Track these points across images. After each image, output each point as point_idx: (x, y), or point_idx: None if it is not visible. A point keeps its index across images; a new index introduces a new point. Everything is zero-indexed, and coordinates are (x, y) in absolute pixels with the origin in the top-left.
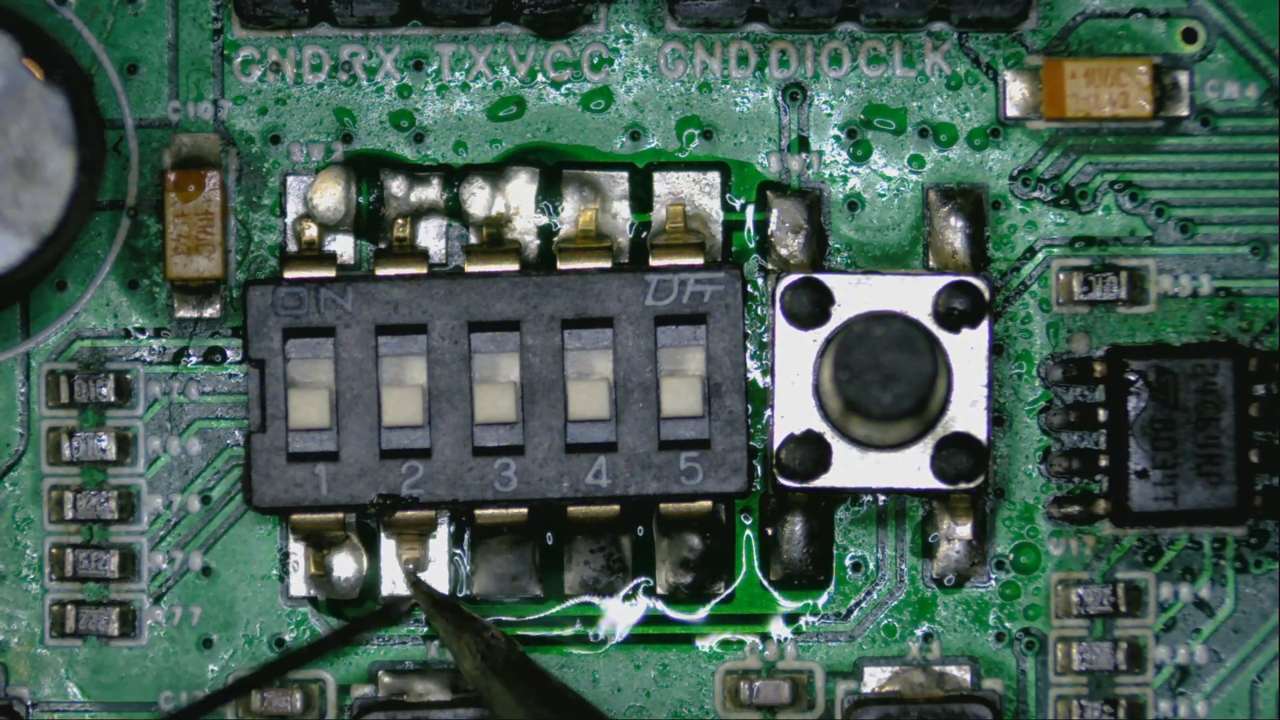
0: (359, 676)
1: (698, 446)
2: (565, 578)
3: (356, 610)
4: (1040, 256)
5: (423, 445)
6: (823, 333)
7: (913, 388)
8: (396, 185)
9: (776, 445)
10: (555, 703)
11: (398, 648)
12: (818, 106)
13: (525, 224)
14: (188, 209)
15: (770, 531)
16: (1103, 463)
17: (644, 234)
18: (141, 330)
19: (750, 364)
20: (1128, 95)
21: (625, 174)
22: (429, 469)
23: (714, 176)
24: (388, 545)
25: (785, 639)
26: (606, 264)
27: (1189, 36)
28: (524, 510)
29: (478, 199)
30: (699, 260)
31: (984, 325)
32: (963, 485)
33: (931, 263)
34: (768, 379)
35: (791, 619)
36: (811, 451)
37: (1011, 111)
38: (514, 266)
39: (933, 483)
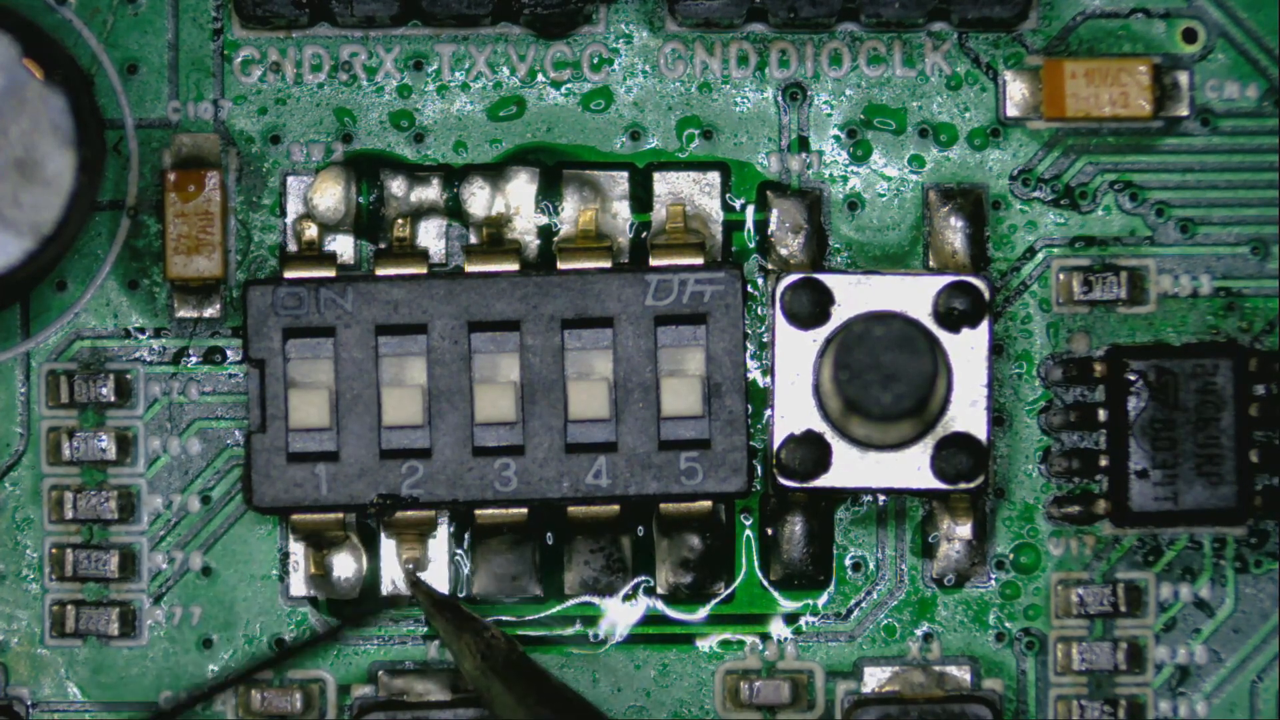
0: (359, 676)
1: (698, 446)
2: (565, 578)
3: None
4: (1040, 256)
5: (423, 445)
6: (823, 333)
7: (913, 388)
8: (396, 185)
9: (776, 445)
10: (555, 703)
11: (398, 648)
12: (818, 106)
13: (525, 224)
14: (188, 209)
15: (770, 531)
16: (1103, 463)
17: (644, 234)
18: (141, 330)
19: (750, 364)
20: (1128, 95)
21: (625, 174)
22: (429, 469)
23: (714, 176)
24: (388, 545)
25: (785, 639)
26: (606, 264)
27: (1189, 36)
28: (524, 510)
29: (478, 199)
30: (699, 260)
31: (984, 325)
32: (963, 485)
33: (931, 263)
34: (768, 379)
35: (791, 619)
36: (811, 451)
37: (1011, 111)
38: (514, 266)
39: (933, 483)
